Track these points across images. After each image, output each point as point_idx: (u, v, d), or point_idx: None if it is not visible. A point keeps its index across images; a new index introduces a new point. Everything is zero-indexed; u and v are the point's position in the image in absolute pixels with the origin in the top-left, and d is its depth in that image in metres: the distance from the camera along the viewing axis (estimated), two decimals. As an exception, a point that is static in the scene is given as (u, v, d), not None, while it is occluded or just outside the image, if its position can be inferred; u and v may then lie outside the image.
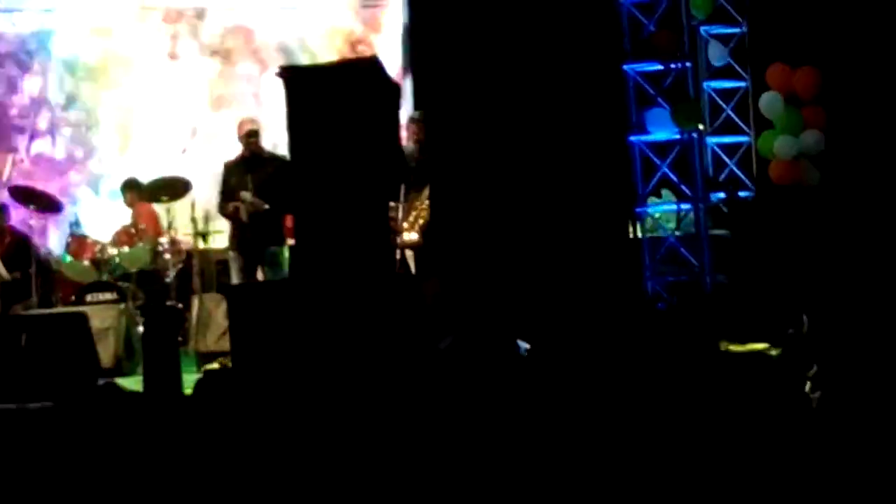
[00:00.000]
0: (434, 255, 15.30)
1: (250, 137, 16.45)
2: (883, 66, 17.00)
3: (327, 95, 14.32)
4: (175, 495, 8.89)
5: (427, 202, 15.72)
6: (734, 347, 14.61)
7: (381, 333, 13.26)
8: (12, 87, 19.84)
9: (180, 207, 17.36)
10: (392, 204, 15.35)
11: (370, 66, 15.55)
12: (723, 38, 16.93)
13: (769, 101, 16.91)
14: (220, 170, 16.81)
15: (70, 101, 20.14)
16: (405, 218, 15.74)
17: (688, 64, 15.95)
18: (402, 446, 9.42)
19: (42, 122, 20.02)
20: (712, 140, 16.86)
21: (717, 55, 16.77)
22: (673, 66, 15.81)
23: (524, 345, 13.03)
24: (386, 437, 9.71)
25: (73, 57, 20.09)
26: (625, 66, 15.77)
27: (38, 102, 20.08)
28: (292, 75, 15.47)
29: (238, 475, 8.99)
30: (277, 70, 16.24)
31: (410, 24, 19.52)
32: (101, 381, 13.98)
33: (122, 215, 18.03)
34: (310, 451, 9.48)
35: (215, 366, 15.01)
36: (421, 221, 15.91)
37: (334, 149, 14.19)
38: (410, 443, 9.50)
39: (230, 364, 14.36)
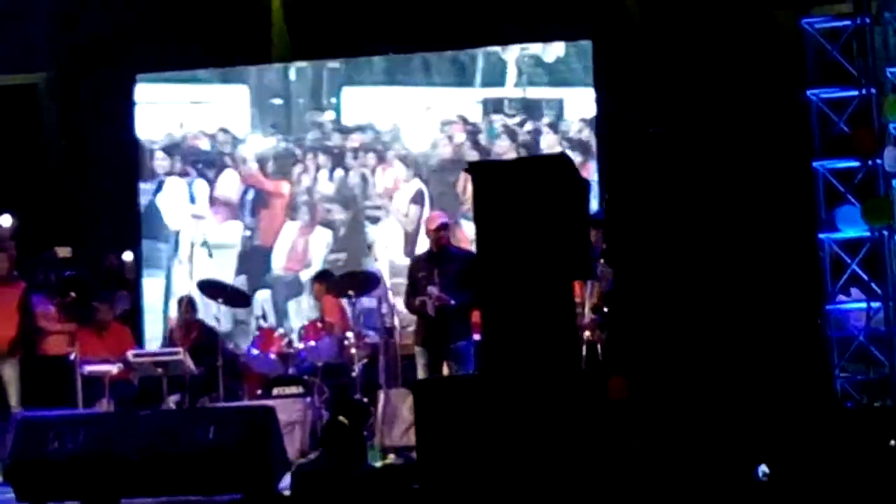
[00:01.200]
0: (619, 351, 15.17)
1: (440, 231, 16.49)
2: None
3: (515, 190, 14.29)
4: None
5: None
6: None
7: (567, 431, 13.14)
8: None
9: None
10: (577, 300, 15.31)
11: (558, 162, 15.53)
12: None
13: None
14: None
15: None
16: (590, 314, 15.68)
17: (878, 161, 15.69)
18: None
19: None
20: None
21: (891, 162, 16.56)
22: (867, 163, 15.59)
23: (763, 468, 12.85)
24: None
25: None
26: (814, 163, 15.53)
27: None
28: (481, 170, 15.46)
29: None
30: (466, 166, 16.28)
31: (598, 118, 19.49)
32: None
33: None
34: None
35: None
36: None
37: (522, 244, 14.14)
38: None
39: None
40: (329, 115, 20.32)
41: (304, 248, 20.25)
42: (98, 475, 13.56)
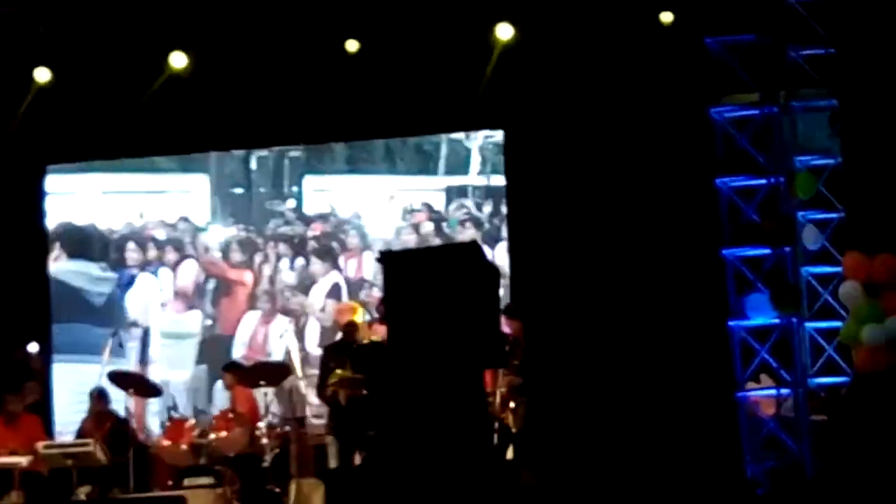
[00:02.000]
0: (531, 444, 15.21)
1: (348, 326, 16.55)
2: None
3: (426, 278, 14.30)
4: None
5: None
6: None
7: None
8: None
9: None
10: (489, 389, 15.35)
11: (468, 249, 15.55)
12: (820, 224, 16.87)
13: (848, 290, 16.81)
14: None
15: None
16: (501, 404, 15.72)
17: (787, 249, 15.84)
18: None
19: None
20: (810, 325, 16.60)
21: (812, 239, 16.71)
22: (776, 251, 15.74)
23: None
24: None
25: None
26: (724, 252, 15.72)
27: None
28: (390, 259, 15.47)
29: None
30: (377, 255, 16.31)
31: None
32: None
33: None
34: None
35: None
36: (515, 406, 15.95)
37: (432, 332, 14.14)
38: None
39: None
40: (290, 204, 20.30)
41: (264, 337, 20.13)
42: None
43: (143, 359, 20.18)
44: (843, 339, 16.78)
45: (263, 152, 20.36)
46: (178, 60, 18.76)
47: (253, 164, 20.43)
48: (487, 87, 18.92)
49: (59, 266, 20.55)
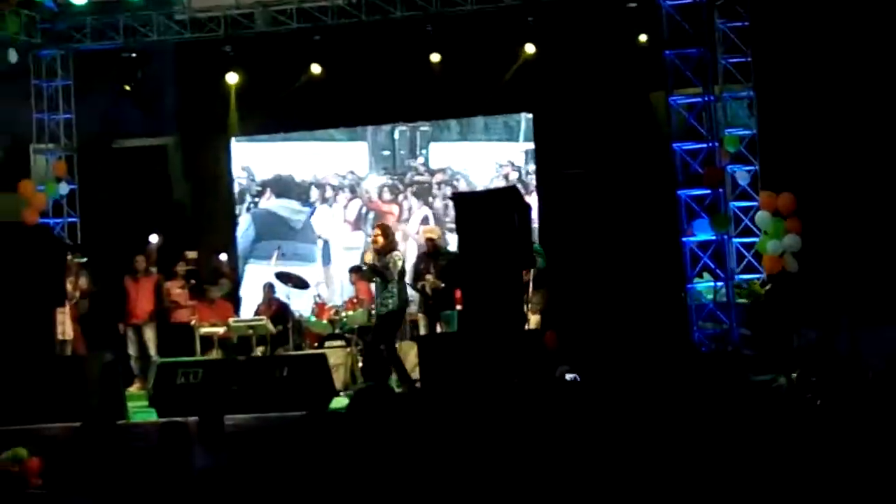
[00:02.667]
0: (552, 319, 15.25)
1: (428, 241, 16.65)
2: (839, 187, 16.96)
3: (484, 211, 14.49)
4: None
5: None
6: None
7: (519, 368, 13.30)
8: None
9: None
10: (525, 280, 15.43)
11: (512, 192, 15.70)
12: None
13: (761, 217, 16.83)
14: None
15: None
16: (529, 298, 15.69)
17: (720, 190, 15.83)
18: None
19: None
20: (736, 240, 16.70)
21: (741, 177, 16.79)
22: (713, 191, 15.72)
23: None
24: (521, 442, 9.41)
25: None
26: (678, 192, 15.60)
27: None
28: (461, 198, 15.66)
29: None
30: (451, 195, 16.38)
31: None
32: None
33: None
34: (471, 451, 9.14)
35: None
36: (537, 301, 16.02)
37: (489, 247, 14.33)
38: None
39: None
40: (420, 160, 20.04)
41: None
42: (210, 400, 13.64)
43: (326, 261, 20.06)
44: (759, 249, 16.96)
45: (403, 126, 20.06)
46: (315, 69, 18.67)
47: (396, 135, 20.14)
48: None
49: (269, 203, 20.44)
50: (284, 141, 20.61)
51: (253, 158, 20.73)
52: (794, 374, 13.61)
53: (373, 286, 16.05)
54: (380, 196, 20.27)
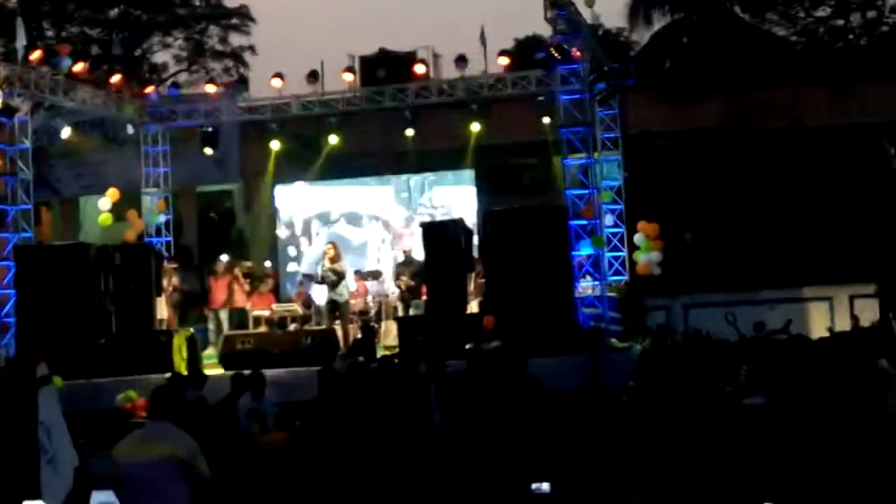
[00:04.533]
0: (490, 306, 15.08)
1: (405, 252, 16.75)
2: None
3: (441, 234, 14.60)
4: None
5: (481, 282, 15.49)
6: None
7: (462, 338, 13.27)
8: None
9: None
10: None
11: (460, 221, 15.78)
12: (613, 211, 16.97)
13: (638, 237, 17.05)
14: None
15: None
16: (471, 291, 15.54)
17: (597, 220, 15.86)
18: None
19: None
20: (608, 254, 16.67)
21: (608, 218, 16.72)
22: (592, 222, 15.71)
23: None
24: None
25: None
26: (569, 222, 15.28)
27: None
28: (426, 225, 15.67)
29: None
30: (420, 223, 16.29)
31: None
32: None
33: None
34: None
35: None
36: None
37: (445, 257, 14.43)
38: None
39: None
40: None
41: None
42: (259, 359, 13.53)
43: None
44: (635, 259, 16.99)
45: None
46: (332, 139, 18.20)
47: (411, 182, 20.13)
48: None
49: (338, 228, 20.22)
50: (320, 185, 20.31)
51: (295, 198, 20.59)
52: (646, 343, 13.87)
53: (326, 283, 15.70)
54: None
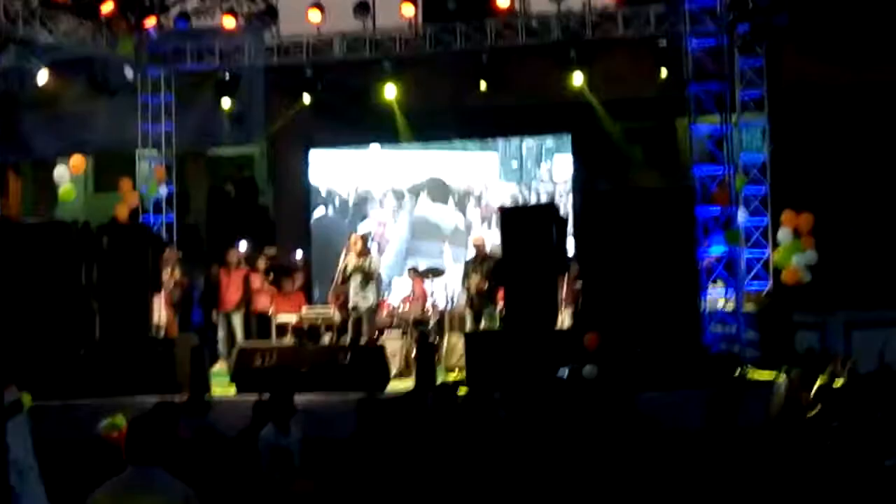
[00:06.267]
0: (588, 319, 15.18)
1: (477, 247, 16.84)
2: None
3: (526, 224, 14.72)
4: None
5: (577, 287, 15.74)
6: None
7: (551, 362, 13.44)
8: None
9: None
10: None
11: (550, 208, 15.85)
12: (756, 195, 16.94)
13: (783, 233, 16.88)
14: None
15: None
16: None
17: (733, 208, 15.81)
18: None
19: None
20: (747, 252, 16.70)
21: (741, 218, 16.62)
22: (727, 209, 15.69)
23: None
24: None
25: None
26: (696, 209, 15.34)
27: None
28: (506, 212, 15.80)
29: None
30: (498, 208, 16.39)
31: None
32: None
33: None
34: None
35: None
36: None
37: (530, 254, 14.52)
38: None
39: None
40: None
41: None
42: (283, 378, 13.33)
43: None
44: (777, 263, 16.91)
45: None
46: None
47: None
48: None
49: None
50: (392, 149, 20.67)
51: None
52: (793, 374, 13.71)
53: (353, 283, 16.04)
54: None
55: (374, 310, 16.19)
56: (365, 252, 16.12)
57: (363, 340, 15.85)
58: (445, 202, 20.50)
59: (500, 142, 20.33)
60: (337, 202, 20.94)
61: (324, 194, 20.86)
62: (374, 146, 20.64)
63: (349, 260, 16.03)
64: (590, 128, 19.63)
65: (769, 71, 16.97)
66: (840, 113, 19.07)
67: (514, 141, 20.25)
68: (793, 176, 17.52)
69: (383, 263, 19.33)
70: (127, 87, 18.51)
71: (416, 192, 20.68)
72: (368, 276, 15.87)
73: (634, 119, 19.86)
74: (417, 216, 20.58)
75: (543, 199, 19.73)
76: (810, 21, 18.18)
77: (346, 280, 16.01)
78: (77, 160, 18.40)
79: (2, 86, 16.64)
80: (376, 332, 16.25)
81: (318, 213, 20.92)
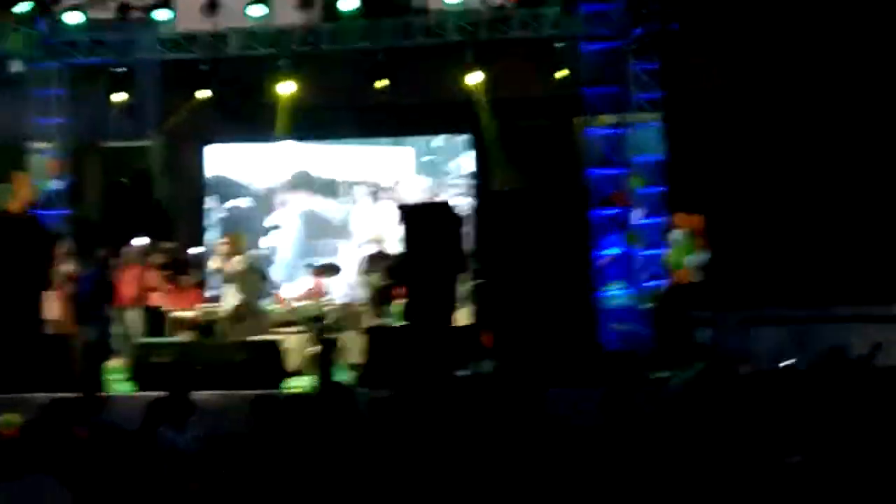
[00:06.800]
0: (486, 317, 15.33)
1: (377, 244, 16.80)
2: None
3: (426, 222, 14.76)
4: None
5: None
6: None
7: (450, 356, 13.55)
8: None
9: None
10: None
11: (445, 206, 15.91)
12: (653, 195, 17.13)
13: (676, 234, 17.07)
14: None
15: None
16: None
17: (627, 210, 16.00)
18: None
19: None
20: (642, 252, 16.84)
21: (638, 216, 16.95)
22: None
23: None
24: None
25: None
26: (592, 211, 15.44)
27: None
28: (407, 209, 15.78)
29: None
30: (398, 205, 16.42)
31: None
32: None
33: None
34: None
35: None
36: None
37: (430, 252, 14.60)
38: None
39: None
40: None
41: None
42: (181, 375, 13.68)
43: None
44: (671, 262, 17.08)
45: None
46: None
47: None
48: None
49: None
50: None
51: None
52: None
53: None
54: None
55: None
56: (235, 252, 16.11)
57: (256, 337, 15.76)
58: (344, 197, 20.47)
59: (417, 137, 20.50)
60: (242, 195, 20.83)
61: (228, 188, 20.76)
62: (284, 140, 20.49)
63: (216, 264, 16.25)
64: (487, 127, 19.69)
65: (664, 74, 17.11)
66: (733, 116, 19.34)
67: (424, 138, 20.40)
68: (686, 178, 17.70)
69: (281, 260, 19.16)
70: (17, 80, 18.25)
71: (313, 187, 20.58)
72: (239, 276, 15.84)
73: (531, 118, 19.93)
74: (313, 212, 20.50)
75: (455, 196, 19.79)
76: (702, 27, 18.44)
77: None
78: None
79: None
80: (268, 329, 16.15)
81: (229, 205, 20.79)
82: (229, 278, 16.06)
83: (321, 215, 20.43)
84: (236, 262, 16.24)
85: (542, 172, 18.50)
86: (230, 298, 16.08)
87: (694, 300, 16.72)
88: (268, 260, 19.04)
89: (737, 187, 19.22)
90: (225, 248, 16.20)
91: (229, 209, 20.77)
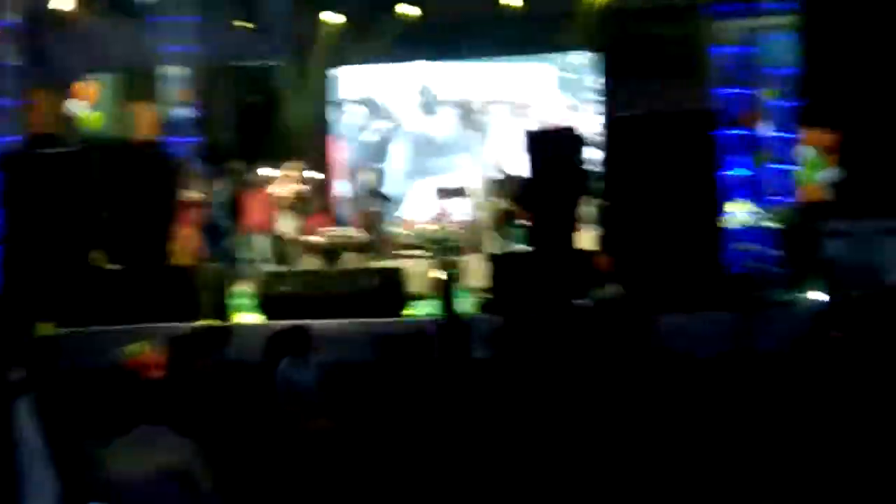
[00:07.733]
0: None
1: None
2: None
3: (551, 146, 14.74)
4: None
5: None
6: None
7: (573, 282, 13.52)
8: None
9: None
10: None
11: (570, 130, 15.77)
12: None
13: (806, 151, 16.68)
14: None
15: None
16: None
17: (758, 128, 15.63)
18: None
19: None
20: (772, 166, 16.37)
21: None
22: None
23: None
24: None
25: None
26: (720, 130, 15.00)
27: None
28: (531, 134, 15.64)
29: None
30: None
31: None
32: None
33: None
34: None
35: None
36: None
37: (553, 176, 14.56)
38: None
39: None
40: None
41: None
42: (306, 306, 13.95)
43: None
44: (802, 179, 16.69)
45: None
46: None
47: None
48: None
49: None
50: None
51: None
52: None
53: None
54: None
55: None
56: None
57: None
58: (474, 118, 20.33)
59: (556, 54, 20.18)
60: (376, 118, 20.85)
61: (361, 110, 20.83)
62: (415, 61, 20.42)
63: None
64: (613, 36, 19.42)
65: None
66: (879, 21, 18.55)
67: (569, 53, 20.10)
68: (828, 88, 17.12)
69: (394, 179, 19.38)
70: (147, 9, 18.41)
71: (437, 108, 20.53)
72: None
73: (659, 26, 19.52)
74: (426, 134, 20.44)
75: (594, 114, 19.57)
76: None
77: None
78: (86, 88, 18.37)
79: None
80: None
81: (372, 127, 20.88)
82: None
83: (435, 140, 20.35)
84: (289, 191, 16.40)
85: (674, 85, 18.19)
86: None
87: (826, 217, 16.35)
88: (379, 180, 19.04)
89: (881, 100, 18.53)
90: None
91: (371, 132, 20.74)
